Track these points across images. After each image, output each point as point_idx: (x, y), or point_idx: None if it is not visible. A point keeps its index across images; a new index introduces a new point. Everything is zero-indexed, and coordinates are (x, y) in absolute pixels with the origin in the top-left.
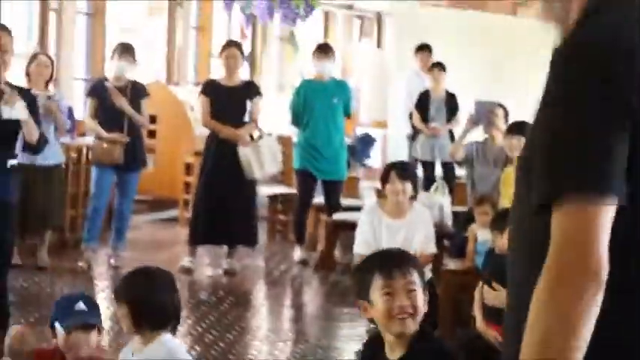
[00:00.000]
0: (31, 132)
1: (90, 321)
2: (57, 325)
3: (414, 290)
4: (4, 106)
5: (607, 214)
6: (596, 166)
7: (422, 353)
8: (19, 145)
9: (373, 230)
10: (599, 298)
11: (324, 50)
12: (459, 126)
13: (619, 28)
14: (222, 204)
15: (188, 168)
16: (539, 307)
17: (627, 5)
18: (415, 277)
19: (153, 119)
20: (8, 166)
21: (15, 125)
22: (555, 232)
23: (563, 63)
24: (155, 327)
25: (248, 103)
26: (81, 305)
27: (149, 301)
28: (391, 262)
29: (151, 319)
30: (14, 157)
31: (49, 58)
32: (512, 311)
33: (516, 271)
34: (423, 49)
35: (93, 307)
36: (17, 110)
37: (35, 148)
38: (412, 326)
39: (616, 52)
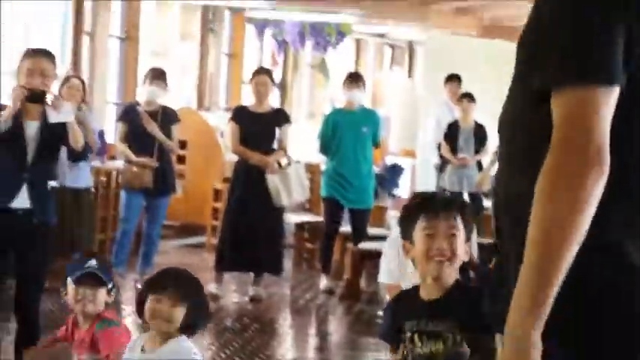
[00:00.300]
0: (76, 136)
1: (99, 274)
2: (68, 279)
3: (455, 235)
4: (51, 110)
5: (607, 100)
6: (597, 54)
7: (458, 299)
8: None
9: (398, 259)
10: (602, 182)
11: (354, 79)
12: (487, 157)
13: None
14: (249, 231)
15: (217, 194)
16: (545, 190)
17: None
18: (458, 222)
19: (183, 145)
20: (49, 187)
21: (61, 130)
22: (557, 118)
23: None
24: (193, 332)
25: (277, 130)
26: (92, 262)
27: (204, 309)
28: (437, 204)
29: (200, 324)
30: (55, 177)
31: (81, 80)
32: (508, 200)
33: (507, 164)
34: (453, 79)
35: (105, 267)
36: (64, 114)
37: (79, 154)
38: (448, 271)
39: None
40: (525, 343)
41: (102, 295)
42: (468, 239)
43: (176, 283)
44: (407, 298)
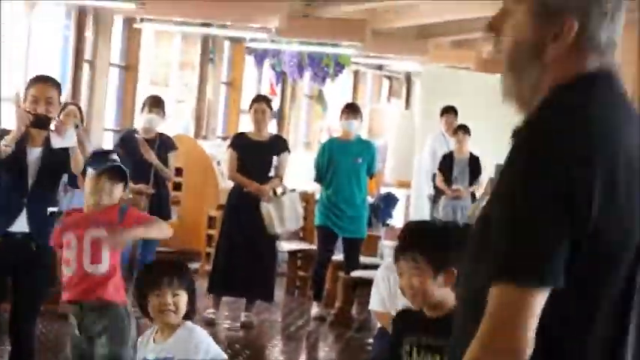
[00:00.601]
0: (77, 161)
1: (120, 166)
2: (89, 169)
3: (415, 274)
4: (55, 135)
5: (539, 299)
6: (536, 257)
7: None
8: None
9: (389, 288)
10: None
11: (351, 110)
12: (482, 189)
13: (588, 123)
14: (242, 257)
15: (211, 221)
16: None
17: (602, 90)
18: (419, 259)
19: (179, 172)
20: (48, 212)
21: (63, 156)
22: (489, 308)
23: (525, 152)
24: (193, 315)
25: (275, 159)
26: (114, 156)
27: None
28: (397, 247)
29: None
30: (56, 203)
31: (78, 107)
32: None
33: (458, 324)
34: (449, 111)
35: (126, 164)
36: (67, 139)
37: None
38: (417, 304)
39: (577, 156)
40: None
41: (118, 190)
42: (442, 267)
43: (170, 273)
44: (410, 314)
